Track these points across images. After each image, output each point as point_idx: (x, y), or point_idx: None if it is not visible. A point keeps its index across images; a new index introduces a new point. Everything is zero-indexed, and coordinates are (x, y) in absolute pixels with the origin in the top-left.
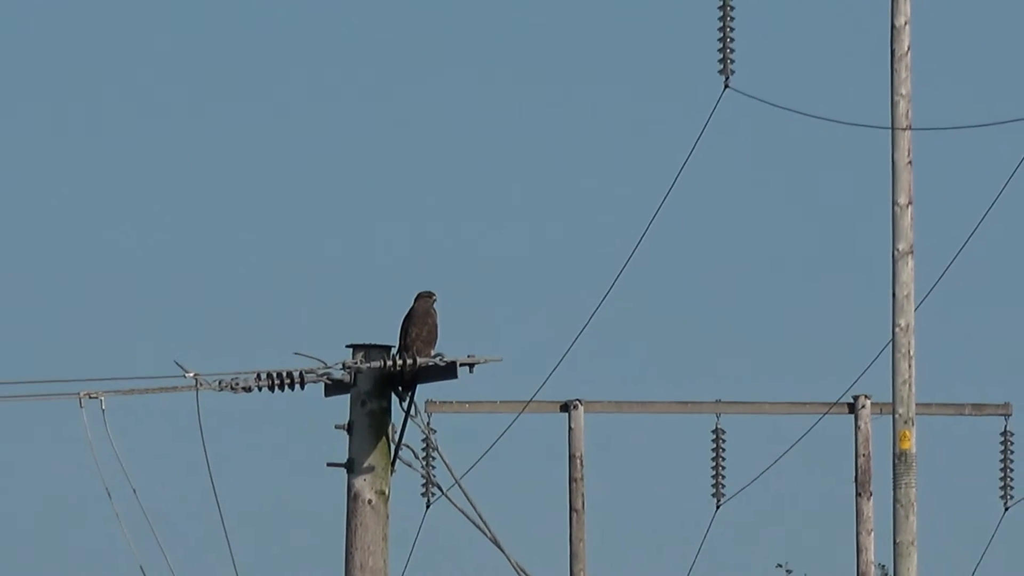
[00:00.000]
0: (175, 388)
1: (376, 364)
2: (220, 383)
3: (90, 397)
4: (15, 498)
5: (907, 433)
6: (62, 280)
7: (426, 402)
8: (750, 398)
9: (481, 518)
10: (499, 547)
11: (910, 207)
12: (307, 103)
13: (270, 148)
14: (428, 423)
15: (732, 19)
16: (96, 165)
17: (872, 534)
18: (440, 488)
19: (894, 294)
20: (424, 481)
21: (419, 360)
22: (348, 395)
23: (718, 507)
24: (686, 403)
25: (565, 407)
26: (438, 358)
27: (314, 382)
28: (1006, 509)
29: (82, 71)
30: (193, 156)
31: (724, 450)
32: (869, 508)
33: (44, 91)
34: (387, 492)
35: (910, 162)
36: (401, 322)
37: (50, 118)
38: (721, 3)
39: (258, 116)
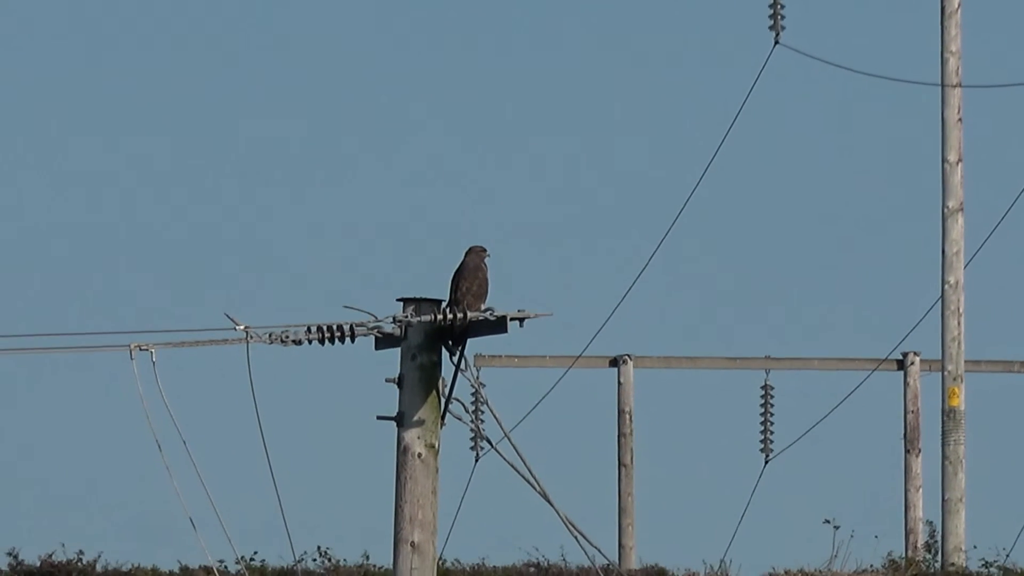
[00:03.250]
0: (225, 341)
1: (426, 318)
2: (270, 336)
3: (141, 349)
4: (65, 450)
5: (956, 390)
6: (114, 234)
7: (476, 356)
8: (799, 354)
9: (530, 472)
10: (548, 501)
11: (960, 164)
12: (361, 57)
13: (320, 96)
14: (478, 377)
15: None
16: (144, 117)
17: (920, 491)
18: (489, 442)
19: (944, 251)
20: (473, 435)
21: (469, 314)
22: (398, 349)
23: (766, 462)
24: (735, 359)
25: (614, 362)
26: (488, 312)
27: (364, 335)
28: None
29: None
30: (249, 105)
31: (773, 406)
32: (918, 465)
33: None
34: (437, 446)
35: (960, 119)
36: (452, 276)
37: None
38: None
39: (315, 65)
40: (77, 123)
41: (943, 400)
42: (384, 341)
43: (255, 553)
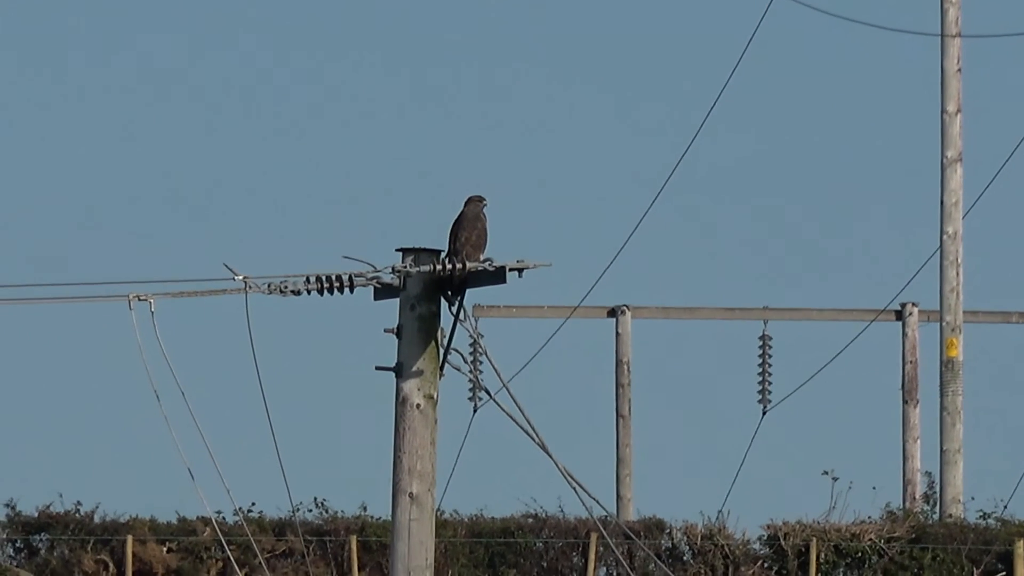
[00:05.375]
0: (224, 291)
1: (425, 268)
2: (269, 286)
3: (139, 299)
4: (63, 401)
5: (954, 341)
6: (113, 186)
7: (474, 306)
8: (798, 304)
9: (528, 422)
10: (546, 451)
11: (959, 115)
12: (358, 21)
13: (328, 56)
14: (476, 327)
15: None
16: (160, 73)
17: (918, 442)
18: (488, 392)
19: (942, 202)
20: (472, 385)
21: (468, 264)
22: (397, 299)
23: (764, 413)
24: (733, 309)
25: (612, 312)
26: (487, 263)
27: (363, 286)
28: None
29: None
30: (244, 55)
31: (771, 356)
32: (916, 416)
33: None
34: (435, 396)
35: (959, 69)
36: (451, 226)
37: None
38: None
39: (313, 35)
40: (85, 68)
41: (941, 351)
42: (383, 291)
43: (253, 504)
